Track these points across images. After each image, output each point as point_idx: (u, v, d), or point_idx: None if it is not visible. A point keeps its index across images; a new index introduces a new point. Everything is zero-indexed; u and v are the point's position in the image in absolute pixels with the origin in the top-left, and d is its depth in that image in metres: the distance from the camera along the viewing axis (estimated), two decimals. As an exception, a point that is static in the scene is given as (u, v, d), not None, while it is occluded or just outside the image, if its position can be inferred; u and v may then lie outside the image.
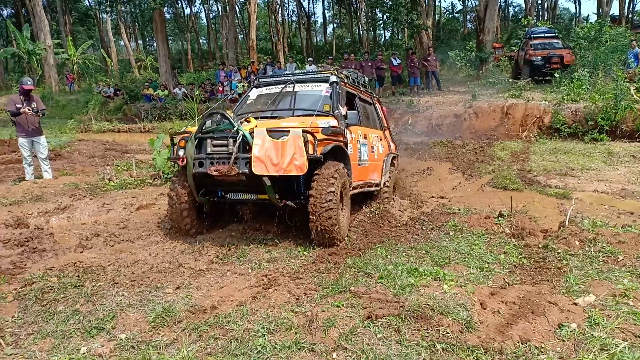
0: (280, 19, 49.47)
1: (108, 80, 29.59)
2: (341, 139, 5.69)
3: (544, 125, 13.45)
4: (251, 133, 4.91)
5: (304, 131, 4.94)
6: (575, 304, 3.74)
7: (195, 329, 3.37)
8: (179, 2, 48.90)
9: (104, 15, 43.84)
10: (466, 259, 4.84)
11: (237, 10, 50.62)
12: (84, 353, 3.13)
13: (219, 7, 49.12)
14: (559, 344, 3.25)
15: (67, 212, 6.90)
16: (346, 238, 5.43)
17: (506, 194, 8.25)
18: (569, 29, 29.66)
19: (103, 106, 24.81)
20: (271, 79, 6.94)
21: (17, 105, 8.66)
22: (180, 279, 4.26)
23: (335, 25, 60.04)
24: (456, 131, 14.56)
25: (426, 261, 4.77)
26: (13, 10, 51.31)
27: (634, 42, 16.69)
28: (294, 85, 6.41)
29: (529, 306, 3.71)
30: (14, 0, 47.91)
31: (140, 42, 59.52)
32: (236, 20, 50.33)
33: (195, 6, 53.87)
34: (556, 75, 16.12)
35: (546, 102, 14.01)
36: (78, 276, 4.32)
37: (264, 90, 6.71)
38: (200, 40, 59.00)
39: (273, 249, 5.04)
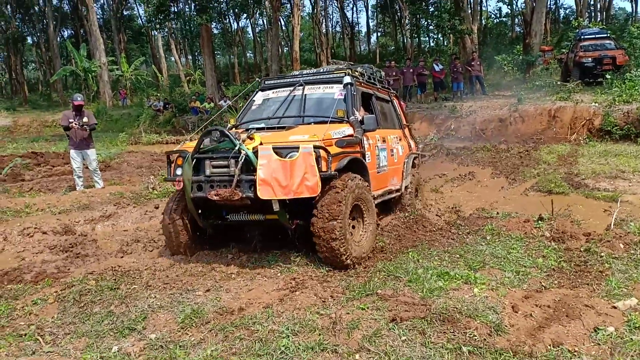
0: (324, 30, 49.88)
1: (159, 94, 30.61)
2: (358, 149, 5.29)
3: (594, 128, 12.90)
4: (255, 152, 4.46)
5: (315, 147, 4.44)
6: (615, 307, 3.58)
7: (222, 330, 3.43)
8: (227, 17, 50.23)
9: (155, 33, 45.61)
10: (502, 263, 4.71)
11: (282, 23, 51.53)
12: (114, 352, 3.24)
13: (264, 21, 50.05)
14: (594, 347, 3.11)
15: (111, 220, 7.17)
16: (367, 256, 4.93)
17: (550, 198, 7.97)
18: (624, 29, 28.46)
19: (153, 119, 25.62)
20: (278, 81, 6.44)
21: (70, 120, 9.20)
22: (211, 282, 4.35)
23: (379, 33, 60.01)
24: (501, 136, 14.18)
25: (459, 265, 4.67)
26: (73, 31, 54.42)
27: None
28: (304, 88, 5.90)
29: (564, 309, 3.58)
30: (73, 22, 50.74)
31: (190, 57, 61.43)
32: (280, 33, 51.28)
33: (242, 21, 55.13)
34: (608, 76, 15.47)
35: (596, 104, 13.44)
36: (115, 279, 4.49)
37: (270, 94, 6.24)
38: (248, 54, 60.27)
39: (304, 255, 5.03)
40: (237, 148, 4.56)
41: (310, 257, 4.95)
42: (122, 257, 5.46)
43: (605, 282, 4.12)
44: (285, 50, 48.41)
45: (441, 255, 5.00)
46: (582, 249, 4.95)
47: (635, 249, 4.80)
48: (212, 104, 23.47)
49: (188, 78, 42.04)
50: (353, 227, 5.07)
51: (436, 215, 7.13)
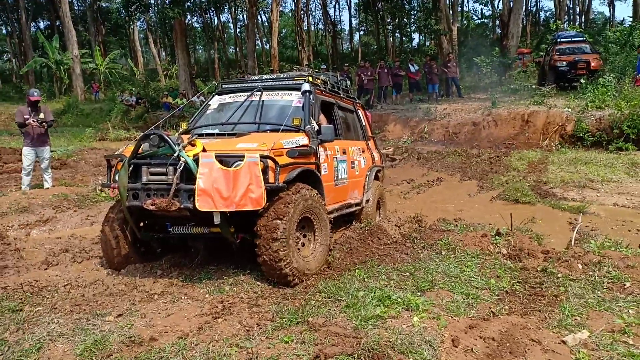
0: (305, 27, 49.30)
1: (132, 89, 29.87)
2: (312, 160, 5.01)
3: (566, 134, 12.74)
4: (196, 159, 4.13)
5: (262, 156, 4.16)
6: (563, 341, 3.25)
7: (123, 365, 3.01)
8: (207, 12, 49.32)
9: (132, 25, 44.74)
10: (453, 283, 4.36)
11: (264, 19, 50.94)
12: (-6, 391, 2.81)
13: (245, 17, 49.37)
14: (535, 394, 2.78)
15: (49, 225, 6.69)
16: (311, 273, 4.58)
17: (516, 208, 7.71)
18: (602, 34, 28.51)
19: (125, 115, 24.98)
20: (236, 86, 6.08)
21: (25, 117, 8.80)
22: (127, 304, 3.90)
23: (361, 32, 59.60)
24: (474, 140, 13.97)
25: (407, 285, 4.30)
26: (49, 22, 53.06)
27: None
28: (262, 94, 5.62)
29: (508, 344, 3.23)
30: (49, 13, 49.44)
31: (169, 51, 60.41)
32: (262, 29, 50.65)
33: (224, 15, 54.32)
34: (582, 81, 15.34)
35: (569, 110, 13.28)
36: (22, 299, 4.02)
37: (227, 99, 5.90)
38: (230, 49, 59.45)
39: (241, 272, 4.63)
40: (176, 154, 4.19)
41: (247, 275, 4.56)
42: (45, 269, 4.99)
43: (559, 308, 3.80)
44: (267, 46, 47.80)
45: (390, 273, 4.63)
46: (538, 269, 4.63)
47: (594, 270, 4.49)
48: (184, 100, 22.88)
49: (165, 72, 41.27)
50: (302, 244, 4.76)
51: (395, 225, 6.78)
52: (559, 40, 18.87)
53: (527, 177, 9.79)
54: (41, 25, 55.17)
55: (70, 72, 32.98)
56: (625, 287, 4.18)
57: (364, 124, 7.27)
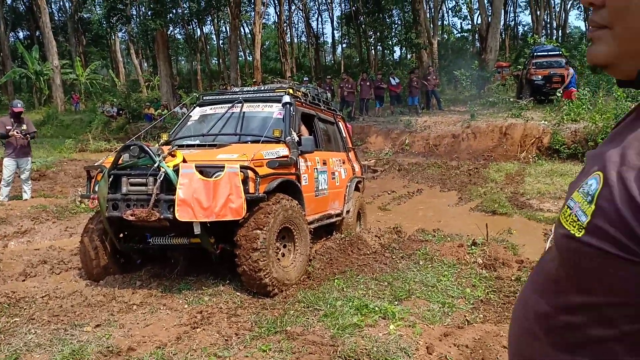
0: (288, 39, 49.59)
1: (113, 100, 29.67)
2: (292, 171, 5.09)
3: (543, 146, 13.01)
4: (176, 170, 4.17)
5: (242, 167, 4.21)
6: (534, 349, 3.33)
7: (100, 375, 3.02)
8: (190, 24, 49.36)
9: (114, 36, 44.51)
10: (430, 292, 4.44)
11: (247, 30, 51.09)
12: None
13: (227, 29, 49.51)
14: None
15: (27, 236, 6.64)
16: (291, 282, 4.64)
17: (494, 219, 7.85)
18: (578, 48, 29.19)
19: (106, 126, 24.81)
20: (217, 97, 6.22)
21: (7, 128, 8.76)
22: (106, 315, 3.90)
23: (344, 45, 60.11)
24: (453, 152, 14.18)
25: (385, 294, 4.37)
26: (29, 32, 52.60)
27: None
28: (242, 105, 5.70)
29: (481, 351, 3.32)
30: (28, 23, 49.03)
31: (151, 62, 60.19)
32: (245, 40, 50.82)
33: (207, 27, 54.36)
34: (558, 94, 15.67)
35: (545, 122, 13.58)
36: (-1, 310, 4.00)
37: (208, 110, 5.96)
38: (213, 61, 59.46)
39: (220, 282, 4.66)
40: (156, 165, 4.23)
41: (227, 285, 4.59)
42: (23, 280, 4.95)
43: (532, 316, 3.89)
44: (249, 58, 47.95)
45: (368, 282, 4.70)
46: (512, 278, 4.74)
47: (566, 279, 4.61)
48: (165, 111, 22.81)
49: (147, 83, 41.10)
50: (282, 254, 4.82)
51: (375, 235, 6.83)
52: (535, 54, 19.25)
53: (504, 188, 9.98)
54: (20, 35, 54.75)
55: (50, 83, 32.72)
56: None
57: (344, 135, 7.37)
